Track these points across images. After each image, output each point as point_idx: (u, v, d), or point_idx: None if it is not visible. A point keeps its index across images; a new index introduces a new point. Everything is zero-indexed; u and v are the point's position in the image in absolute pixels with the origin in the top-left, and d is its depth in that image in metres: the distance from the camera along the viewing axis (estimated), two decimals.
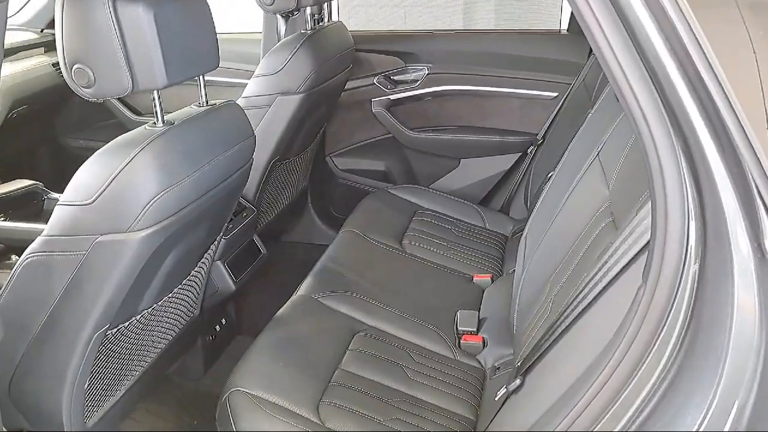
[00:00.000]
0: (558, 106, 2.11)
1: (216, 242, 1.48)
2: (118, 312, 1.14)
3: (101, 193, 1.02)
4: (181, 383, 1.78)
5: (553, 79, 2.16)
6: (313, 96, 1.83)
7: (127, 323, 1.23)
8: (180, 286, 1.35)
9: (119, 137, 1.10)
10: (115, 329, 1.20)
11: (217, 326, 1.81)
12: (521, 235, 2.08)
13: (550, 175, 1.70)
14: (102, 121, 2.56)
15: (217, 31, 1.18)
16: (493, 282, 1.80)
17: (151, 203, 1.03)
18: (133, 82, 1.03)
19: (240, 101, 1.78)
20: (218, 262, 1.64)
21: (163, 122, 1.12)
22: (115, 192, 1.02)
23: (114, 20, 0.99)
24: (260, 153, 1.79)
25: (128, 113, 2.49)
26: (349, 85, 2.24)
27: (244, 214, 1.78)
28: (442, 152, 2.35)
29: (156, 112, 1.11)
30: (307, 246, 2.51)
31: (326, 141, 2.44)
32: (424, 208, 2.16)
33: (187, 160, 1.10)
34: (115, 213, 1.02)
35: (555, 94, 2.16)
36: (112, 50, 1.00)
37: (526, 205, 2.09)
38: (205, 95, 1.26)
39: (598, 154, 1.34)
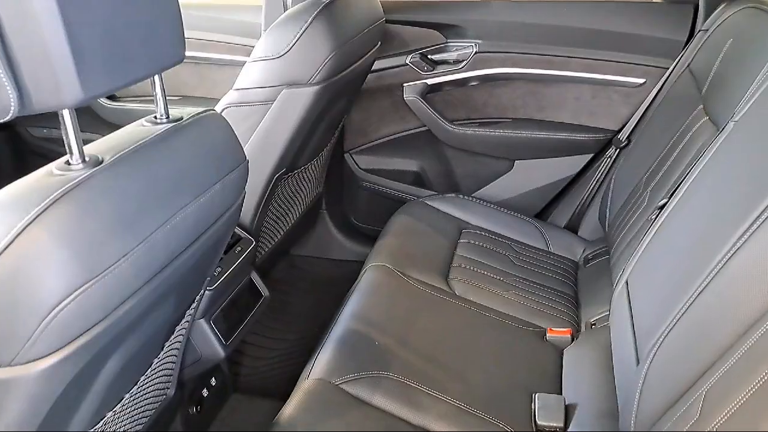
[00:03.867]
0: (649, 98, 1.62)
1: (195, 302, 1.04)
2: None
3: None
4: None
5: (641, 62, 1.66)
6: (332, 87, 1.36)
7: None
8: (135, 389, 0.91)
9: (8, 187, 0.64)
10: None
11: (205, 390, 1.38)
12: (594, 262, 1.64)
13: (663, 202, 1.22)
14: None
15: None
16: (573, 340, 1.35)
17: (54, 313, 0.59)
18: (20, 100, 0.58)
19: (230, 96, 1.31)
20: (201, 321, 1.20)
21: (83, 159, 0.66)
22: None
23: None
24: (260, 166, 1.34)
25: (102, 98, 2.03)
26: (376, 65, 1.76)
27: (238, 248, 1.32)
28: (492, 152, 1.87)
29: (69, 143, 0.65)
30: (322, 262, 2.07)
31: (345, 135, 1.97)
32: (471, 225, 1.70)
33: (126, 226, 0.65)
34: None
35: (642, 81, 1.67)
36: None
37: (604, 225, 1.62)
38: (165, 106, 0.80)
39: None
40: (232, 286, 1.30)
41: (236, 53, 1.91)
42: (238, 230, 1.36)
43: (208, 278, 1.06)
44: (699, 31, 1.51)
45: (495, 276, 1.52)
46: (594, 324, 1.40)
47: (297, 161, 1.47)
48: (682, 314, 0.96)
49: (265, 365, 1.64)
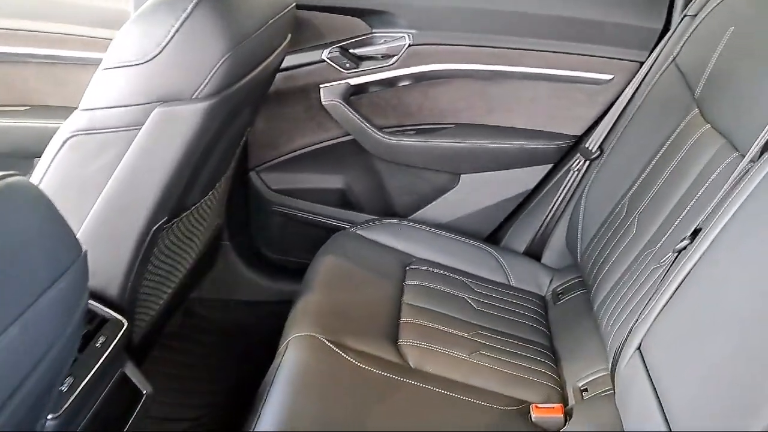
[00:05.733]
0: (622, 98, 1.34)
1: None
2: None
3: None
4: None
5: (608, 54, 1.38)
6: (229, 101, 0.97)
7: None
8: None
9: None
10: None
11: None
12: (567, 298, 1.35)
13: (683, 245, 0.93)
14: None
15: None
16: (567, 419, 1.05)
17: None
18: None
19: (76, 120, 0.90)
20: None
21: None
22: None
23: None
24: (126, 220, 0.94)
25: None
26: (286, 62, 1.38)
27: (102, 338, 0.91)
28: (432, 164, 1.54)
29: None
30: (228, 306, 1.67)
31: (249, 148, 1.58)
32: (416, 258, 1.38)
33: None
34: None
35: (610, 77, 1.39)
36: None
37: (574, 252, 1.34)
38: None
39: None
40: (94, 395, 0.90)
41: (101, 49, 1.47)
42: (100, 309, 0.95)
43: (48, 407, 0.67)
44: (684, 16, 1.24)
45: (455, 331, 1.20)
46: (585, 389, 1.12)
47: (183, 202, 1.07)
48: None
49: None
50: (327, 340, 1.09)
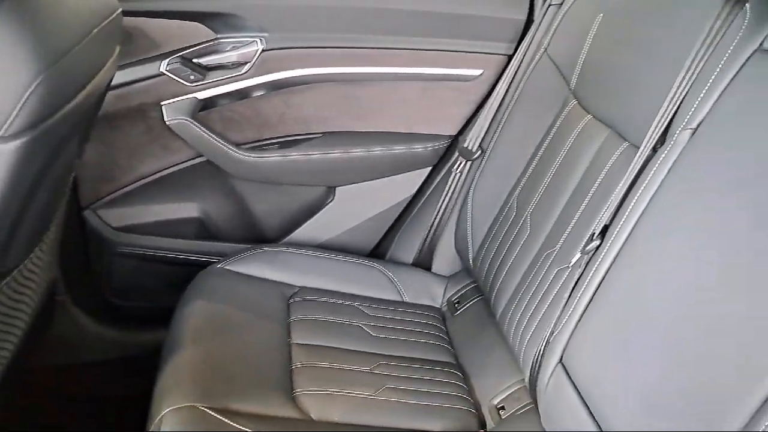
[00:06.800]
0: (495, 94, 1.29)
1: None
2: None
3: None
4: None
5: (475, 49, 1.32)
6: (48, 136, 0.75)
7: None
8: None
9: None
10: None
11: None
12: (464, 307, 1.28)
13: (595, 245, 0.88)
14: None
15: None
16: None
17: None
18: None
19: None
20: None
21: None
22: None
23: None
24: None
25: None
26: (118, 78, 1.16)
27: None
28: (302, 179, 1.40)
29: None
30: (72, 371, 1.39)
31: (80, 184, 1.33)
32: (299, 287, 1.23)
33: None
34: None
35: (479, 72, 1.33)
36: None
37: (466, 257, 1.27)
38: None
39: None
40: None
41: None
42: None
43: None
44: (549, 6, 1.20)
45: (355, 367, 1.07)
46: (502, 407, 1.04)
47: (2, 265, 0.83)
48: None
49: None
50: (209, 408, 0.91)
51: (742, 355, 0.63)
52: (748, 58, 0.76)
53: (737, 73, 0.77)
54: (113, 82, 1.14)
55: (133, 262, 1.40)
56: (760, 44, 0.76)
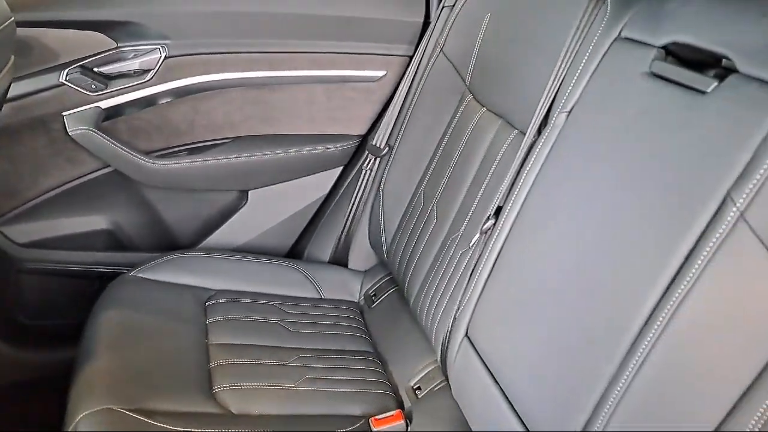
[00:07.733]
0: (399, 93, 1.34)
1: None
2: None
3: None
4: None
5: (377, 50, 1.37)
6: None
7: None
8: None
9: None
10: None
11: None
12: (380, 299, 1.33)
13: (489, 224, 0.94)
14: None
15: None
16: (408, 423, 1.01)
17: None
18: None
19: None
20: None
21: None
22: None
23: None
24: None
25: None
26: (14, 90, 1.14)
27: None
28: (213, 185, 1.41)
29: None
30: None
31: None
32: (215, 291, 1.24)
33: None
34: None
35: (382, 73, 1.39)
36: None
37: (380, 251, 1.31)
38: None
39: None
40: None
41: None
42: None
43: None
44: (442, 7, 1.28)
45: (274, 361, 1.09)
46: (418, 387, 1.09)
47: None
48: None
49: None
50: (126, 410, 0.91)
51: (612, 307, 0.70)
52: (610, 45, 0.85)
53: (601, 59, 0.85)
54: (11, 94, 1.12)
55: (39, 278, 1.36)
56: (619, 33, 0.85)
